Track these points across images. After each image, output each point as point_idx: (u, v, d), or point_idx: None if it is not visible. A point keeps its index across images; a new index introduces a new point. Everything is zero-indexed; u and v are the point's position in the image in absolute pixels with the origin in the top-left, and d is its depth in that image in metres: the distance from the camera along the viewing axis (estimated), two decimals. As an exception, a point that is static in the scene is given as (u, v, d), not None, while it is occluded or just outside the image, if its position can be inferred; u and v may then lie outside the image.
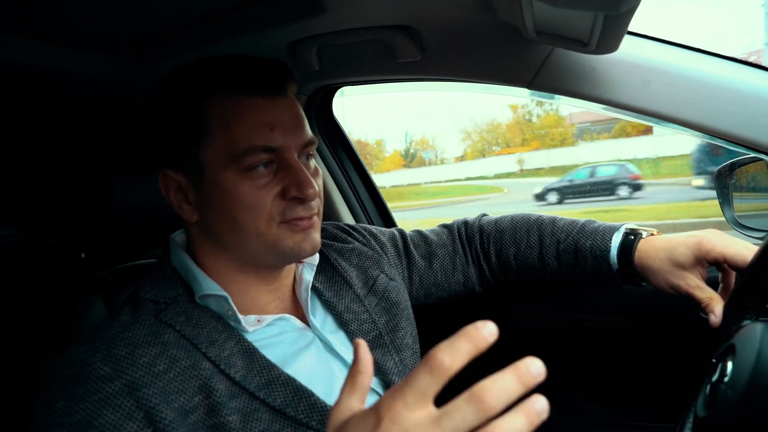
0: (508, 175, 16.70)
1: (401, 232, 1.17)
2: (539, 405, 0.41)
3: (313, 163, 0.85)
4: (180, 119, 0.79)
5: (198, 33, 1.03)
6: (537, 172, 16.12)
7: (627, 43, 0.91)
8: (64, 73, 1.10)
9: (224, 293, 0.78)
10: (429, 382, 0.41)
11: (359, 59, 1.15)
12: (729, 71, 0.91)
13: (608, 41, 0.78)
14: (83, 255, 1.31)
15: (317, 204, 0.82)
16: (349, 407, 0.48)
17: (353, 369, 0.50)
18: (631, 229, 0.99)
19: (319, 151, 1.49)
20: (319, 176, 0.85)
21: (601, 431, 1.22)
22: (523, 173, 16.46)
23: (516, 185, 15.17)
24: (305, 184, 0.77)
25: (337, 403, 0.49)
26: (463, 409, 0.40)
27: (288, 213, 0.78)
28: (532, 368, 0.41)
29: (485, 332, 0.41)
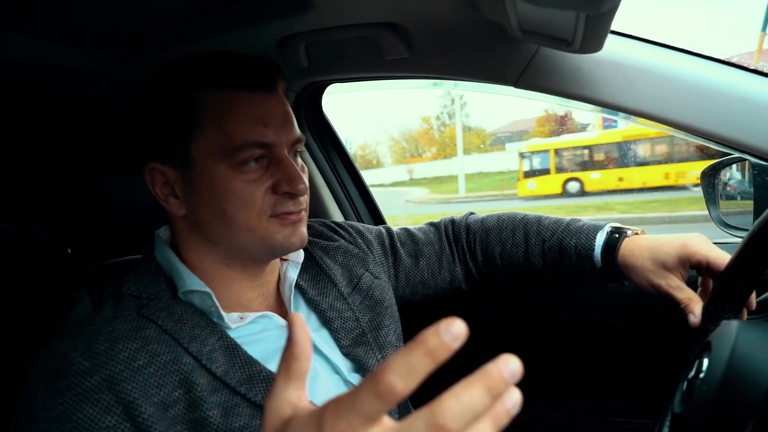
0: (401, 183, 17.45)
1: (388, 230, 1.18)
2: (509, 402, 0.35)
3: (300, 161, 0.86)
4: (170, 113, 0.79)
5: (186, 29, 1.03)
6: (419, 182, 16.94)
7: (612, 42, 0.92)
8: (50, 69, 1.10)
9: (207, 289, 0.78)
10: (376, 407, 0.34)
11: (348, 56, 1.16)
12: (713, 72, 0.91)
13: (592, 41, 0.79)
14: (69, 251, 1.31)
15: (306, 199, 0.84)
16: (286, 398, 0.42)
17: (287, 353, 0.42)
18: (616, 228, 1.00)
19: (308, 147, 1.50)
20: (306, 172, 0.86)
21: (583, 427, 1.23)
22: (411, 182, 17.25)
23: (386, 193, 16.20)
24: (296, 179, 0.78)
25: (273, 392, 0.42)
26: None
27: (278, 207, 0.79)
28: (505, 371, 0.34)
29: (448, 337, 0.33)
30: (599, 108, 0.96)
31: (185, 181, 0.80)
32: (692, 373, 0.63)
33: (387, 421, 0.36)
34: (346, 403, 0.35)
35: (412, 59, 1.08)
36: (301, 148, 0.86)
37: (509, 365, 0.34)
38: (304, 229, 0.84)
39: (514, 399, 0.35)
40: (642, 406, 1.18)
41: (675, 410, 0.63)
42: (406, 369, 0.33)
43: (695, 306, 0.84)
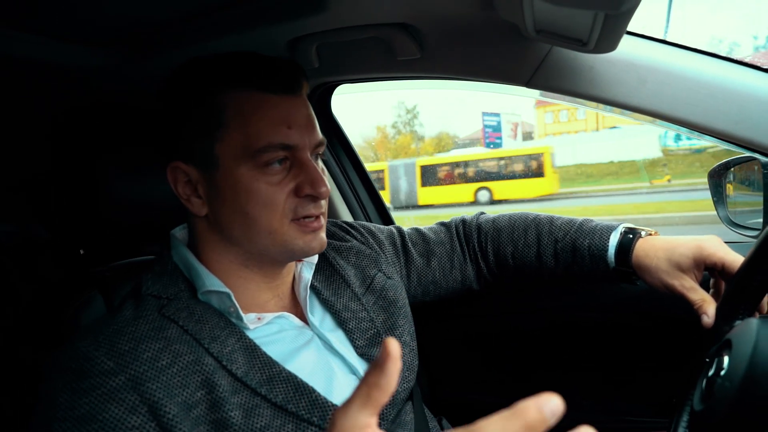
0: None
1: (399, 230, 1.18)
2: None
3: (320, 163, 0.86)
4: (194, 112, 0.79)
5: (197, 28, 1.03)
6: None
7: (624, 42, 0.92)
8: (60, 67, 1.10)
9: (227, 290, 0.79)
10: None
11: (359, 57, 1.16)
12: (725, 71, 0.92)
13: (607, 40, 0.79)
14: (81, 251, 1.31)
15: (325, 203, 0.84)
16: (357, 423, 0.42)
17: (373, 379, 0.41)
18: (630, 228, 1.00)
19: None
20: (326, 176, 0.87)
21: (593, 426, 1.23)
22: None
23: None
24: (318, 182, 0.79)
25: (346, 409, 0.43)
26: None
27: (300, 210, 0.80)
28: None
29: (548, 413, 0.34)
30: (613, 108, 0.97)
31: (208, 181, 0.80)
32: (712, 371, 0.63)
33: None
34: None
35: (424, 59, 1.08)
36: (323, 151, 0.86)
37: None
38: (323, 235, 0.84)
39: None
40: (652, 405, 1.19)
41: (695, 408, 0.63)
42: None
43: (709, 307, 0.84)
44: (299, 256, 0.85)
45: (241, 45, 1.05)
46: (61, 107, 1.30)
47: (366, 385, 0.42)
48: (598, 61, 0.94)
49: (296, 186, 0.79)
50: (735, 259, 0.86)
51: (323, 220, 0.84)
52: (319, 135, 0.84)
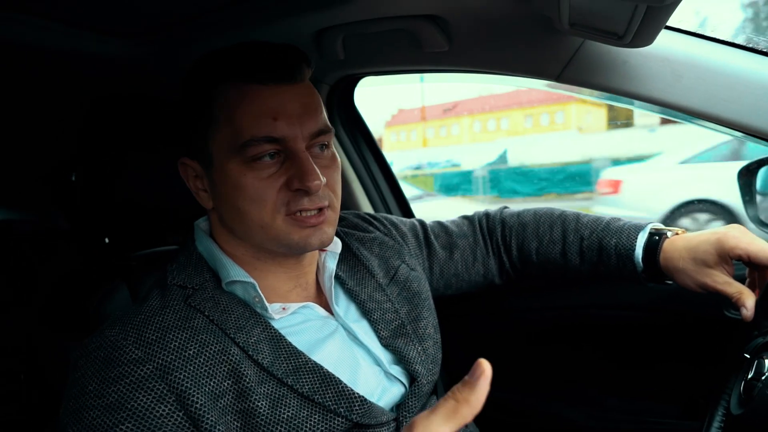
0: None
1: (422, 223, 1.17)
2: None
3: (329, 153, 0.82)
4: (193, 108, 0.79)
5: (224, 19, 1.03)
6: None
7: (660, 36, 0.90)
8: (89, 57, 1.10)
9: (251, 280, 0.79)
10: None
11: (385, 49, 1.15)
12: (763, 67, 0.89)
13: (645, 34, 0.77)
14: (107, 240, 1.32)
15: (327, 196, 0.79)
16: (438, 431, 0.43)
17: (463, 395, 0.44)
18: (657, 229, 0.98)
19: (339, 140, 1.49)
20: (336, 167, 0.83)
21: (617, 426, 1.22)
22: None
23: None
24: (309, 175, 0.74)
25: (430, 418, 0.44)
26: None
27: (293, 205, 0.76)
28: None
29: None
30: (645, 104, 0.95)
31: (208, 176, 0.80)
32: (751, 374, 0.61)
33: None
34: None
35: (451, 52, 1.06)
36: (328, 140, 0.82)
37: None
38: (328, 230, 0.80)
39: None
40: (677, 405, 1.17)
41: (732, 412, 0.62)
42: None
43: (747, 299, 0.82)
44: (298, 251, 0.82)
45: (268, 36, 1.05)
46: (89, 97, 1.30)
47: (454, 399, 0.44)
48: (632, 56, 0.92)
49: (287, 179, 0.76)
50: (761, 247, 0.84)
51: (329, 214, 0.80)
52: (319, 123, 0.78)
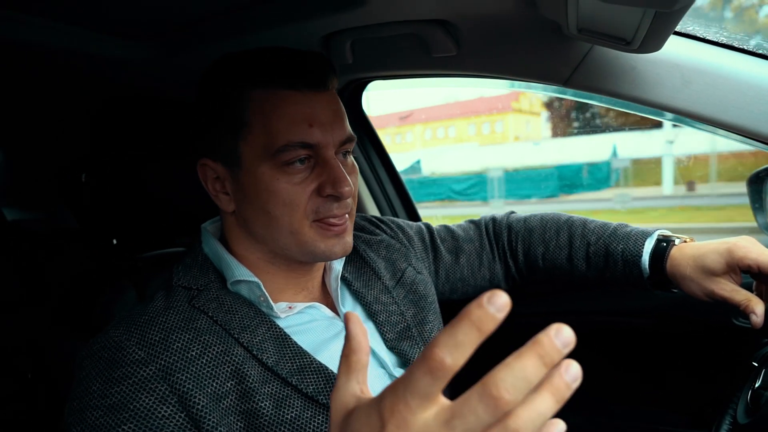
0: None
1: (428, 227, 1.17)
2: (569, 374, 0.33)
3: (350, 160, 0.84)
4: (220, 110, 0.79)
5: (232, 23, 1.04)
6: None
7: (668, 42, 0.89)
8: (99, 59, 1.11)
9: (256, 279, 0.79)
10: (430, 384, 0.34)
11: (393, 53, 1.15)
12: (773, 73, 0.89)
13: (654, 40, 0.77)
14: (115, 241, 1.33)
15: (351, 203, 0.82)
16: (349, 392, 0.43)
17: (346, 348, 0.44)
18: (664, 236, 0.97)
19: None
20: (356, 174, 0.84)
21: None
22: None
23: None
24: (341, 181, 0.76)
25: (336, 387, 0.44)
26: (475, 407, 0.33)
27: (322, 210, 0.78)
28: (557, 340, 0.33)
29: (492, 308, 0.32)
30: (653, 110, 0.94)
31: (233, 179, 0.80)
32: (758, 383, 0.61)
33: (443, 400, 0.36)
34: (402, 385, 0.36)
35: (460, 57, 1.07)
36: (352, 147, 0.84)
37: (561, 334, 0.33)
38: (349, 238, 0.82)
39: (573, 372, 0.34)
40: (685, 414, 1.16)
41: (739, 421, 0.61)
42: (453, 342, 0.34)
43: (756, 306, 0.81)
44: (321, 259, 0.83)
45: (276, 40, 1.05)
46: (100, 98, 1.32)
47: (343, 355, 0.45)
48: (640, 61, 0.91)
49: (318, 186, 0.77)
50: None
51: (349, 223, 0.82)
52: (347, 131, 0.81)
